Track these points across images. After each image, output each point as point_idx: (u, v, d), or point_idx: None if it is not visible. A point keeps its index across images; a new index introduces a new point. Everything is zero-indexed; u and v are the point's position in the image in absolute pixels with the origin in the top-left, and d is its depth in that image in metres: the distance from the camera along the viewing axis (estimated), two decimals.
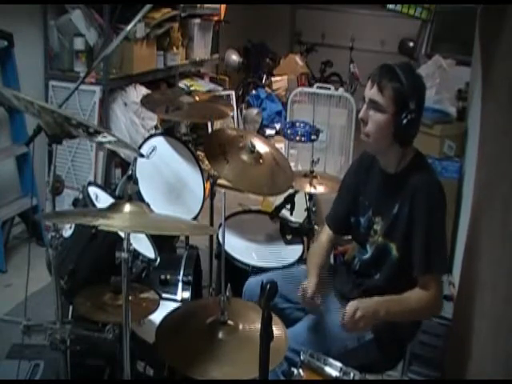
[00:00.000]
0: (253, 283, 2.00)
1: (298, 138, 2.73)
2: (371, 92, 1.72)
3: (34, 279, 2.34)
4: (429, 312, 1.83)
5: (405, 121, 1.68)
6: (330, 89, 4.25)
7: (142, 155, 2.31)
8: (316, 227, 2.62)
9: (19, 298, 2.69)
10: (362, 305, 1.65)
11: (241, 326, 1.55)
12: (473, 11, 3.14)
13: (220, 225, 2.37)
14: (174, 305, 1.94)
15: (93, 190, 2.08)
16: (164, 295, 1.98)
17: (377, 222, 1.84)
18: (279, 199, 2.75)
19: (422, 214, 1.70)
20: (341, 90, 4.66)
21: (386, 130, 1.72)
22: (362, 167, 1.95)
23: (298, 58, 6.75)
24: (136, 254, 1.94)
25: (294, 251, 2.44)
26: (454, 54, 4.12)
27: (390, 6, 5.13)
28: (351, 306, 1.65)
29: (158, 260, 2.04)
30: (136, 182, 2.19)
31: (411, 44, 6.06)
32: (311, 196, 2.70)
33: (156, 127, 3.79)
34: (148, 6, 2.06)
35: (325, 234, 2.04)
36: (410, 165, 1.78)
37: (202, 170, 2.57)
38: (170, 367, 1.86)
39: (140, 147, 2.46)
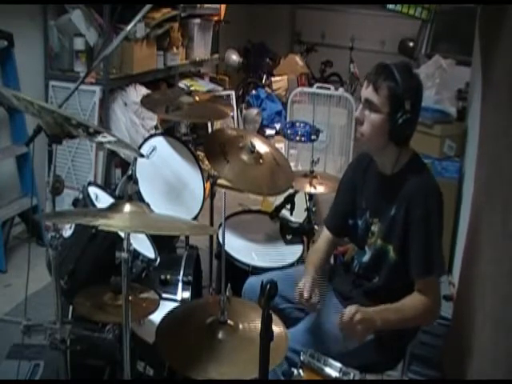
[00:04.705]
0: (253, 283, 2.00)
1: (298, 138, 2.73)
2: (366, 91, 1.72)
3: (34, 279, 2.34)
4: (427, 317, 1.79)
5: (400, 121, 1.67)
6: (330, 89, 4.24)
7: (142, 155, 2.31)
8: (316, 227, 2.62)
9: (19, 298, 2.70)
10: (362, 309, 1.65)
11: (241, 326, 1.55)
12: (473, 11, 3.14)
13: (220, 225, 2.37)
14: (174, 305, 1.94)
15: (93, 190, 2.08)
16: (164, 295, 1.98)
17: (374, 224, 1.83)
18: (279, 199, 2.75)
19: (420, 217, 1.69)
20: (341, 90, 4.66)
21: (381, 130, 1.71)
22: (359, 168, 1.94)
23: (297, 58, 6.74)
24: (136, 254, 1.94)
25: (294, 251, 2.44)
26: (454, 54, 4.12)
27: (390, 6, 5.13)
28: (351, 307, 1.65)
29: (158, 260, 2.04)
30: (136, 182, 2.19)
31: (411, 44, 6.04)
32: (311, 196, 2.70)
33: (156, 127, 3.79)
34: (148, 6, 2.06)
35: (324, 235, 2.05)
36: (407, 166, 1.77)
37: (201, 170, 2.57)
38: (170, 367, 1.86)
39: (140, 147, 2.46)
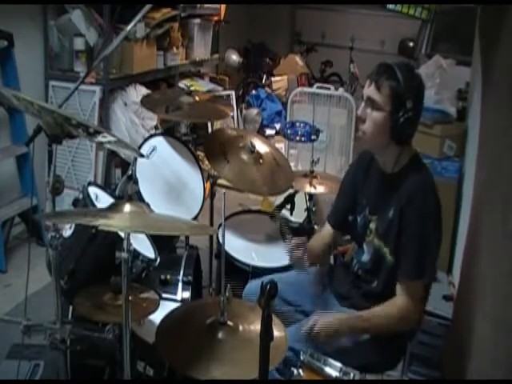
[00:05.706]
0: (252, 287, 2.00)
1: (298, 138, 2.74)
2: (369, 90, 1.73)
3: (34, 279, 2.34)
4: (403, 323, 1.73)
5: (401, 119, 1.68)
6: (330, 89, 4.24)
7: (141, 155, 2.31)
8: (316, 227, 2.62)
9: (19, 298, 2.70)
10: (322, 320, 1.69)
11: (241, 327, 1.54)
12: (473, 11, 3.14)
13: (220, 225, 2.37)
14: (174, 305, 1.94)
15: (93, 190, 2.08)
16: (164, 295, 1.98)
17: (373, 221, 1.84)
18: (279, 199, 2.75)
19: (416, 217, 1.70)
20: (341, 90, 4.66)
21: (382, 128, 1.72)
22: (361, 166, 1.95)
23: (297, 58, 6.74)
24: (136, 254, 1.94)
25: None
26: (454, 54, 4.12)
27: (390, 6, 5.13)
28: (314, 318, 1.70)
29: (158, 260, 2.04)
30: (136, 182, 2.19)
31: (411, 44, 6.05)
32: (311, 196, 2.70)
33: (156, 127, 3.79)
34: (148, 6, 2.06)
35: (325, 229, 2.08)
36: (407, 166, 1.78)
37: (201, 170, 2.57)
38: (170, 367, 1.86)
39: (140, 147, 2.46)
